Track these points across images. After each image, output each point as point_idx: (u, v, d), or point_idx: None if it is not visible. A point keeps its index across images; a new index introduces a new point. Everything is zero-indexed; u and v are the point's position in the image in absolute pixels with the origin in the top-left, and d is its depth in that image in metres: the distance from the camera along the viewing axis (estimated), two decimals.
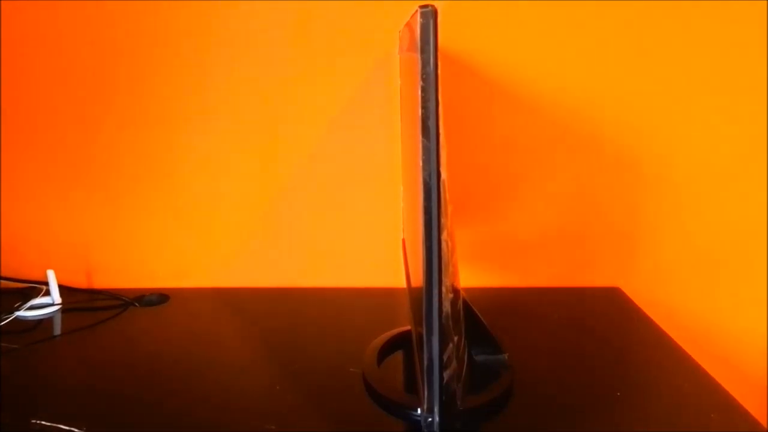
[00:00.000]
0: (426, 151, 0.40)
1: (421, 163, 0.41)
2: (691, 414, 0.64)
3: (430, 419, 0.45)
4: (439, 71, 0.41)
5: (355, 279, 0.99)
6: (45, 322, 0.88)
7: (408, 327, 0.78)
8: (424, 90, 0.40)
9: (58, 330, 0.87)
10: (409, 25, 0.58)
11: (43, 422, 0.61)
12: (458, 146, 0.91)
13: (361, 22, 0.88)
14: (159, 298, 0.95)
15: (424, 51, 0.40)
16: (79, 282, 0.99)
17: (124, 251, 1.00)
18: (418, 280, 0.49)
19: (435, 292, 0.43)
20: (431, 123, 0.40)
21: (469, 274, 0.98)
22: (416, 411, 0.60)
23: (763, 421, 0.61)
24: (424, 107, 0.40)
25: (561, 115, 0.90)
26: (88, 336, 0.84)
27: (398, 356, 0.75)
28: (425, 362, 0.45)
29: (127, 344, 0.82)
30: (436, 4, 0.41)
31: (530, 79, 0.89)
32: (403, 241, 0.85)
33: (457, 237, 0.96)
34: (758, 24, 0.85)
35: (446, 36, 0.86)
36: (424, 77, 0.40)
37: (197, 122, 0.94)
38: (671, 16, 0.86)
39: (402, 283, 0.79)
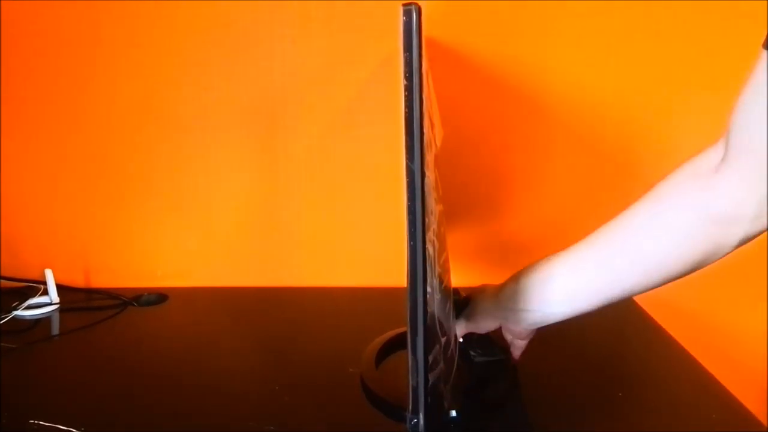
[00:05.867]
0: (409, 150, 0.40)
1: (404, 163, 0.41)
2: (692, 414, 0.64)
3: (415, 420, 0.45)
4: (427, 69, 0.41)
5: (355, 279, 0.99)
6: (43, 322, 0.88)
7: None
8: (407, 89, 0.40)
9: (56, 330, 0.87)
10: None
11: (41, 422, 0.61)
12: (458, 146, 0.90)
13: (363, 22, 0.88)
14: (157, 298, 0.95)
15: (406, 50, 0.40)
16: (77, 281, 0.99)
17: (122, 250, 1.00)
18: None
19: (419, 292, 0.42)
20: (415, 122, 0.40)
21: (469, 275, 0.97)
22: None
23: (763, 421, 0.61)
24: (408, 107, 0.40)
25: (562, 115, 0.90)
26: (86, 336, 0.84)
27: (398, 357, 0.75)
28: (409, 363, 0.45)
29: (125, 344, 0.82)
30: (421, 2, 0.41)
31: (531, 78, 0.89)
32: None
33: (457, 237, 0.96)
34: (758, 24, 0.84)
35: (446, 33, 0.86)
36: (407, 76, 0.40)
37: (197, 121, 0.94)
38: (671, 15, 0.85)
39: (403, 283, 0.78)
